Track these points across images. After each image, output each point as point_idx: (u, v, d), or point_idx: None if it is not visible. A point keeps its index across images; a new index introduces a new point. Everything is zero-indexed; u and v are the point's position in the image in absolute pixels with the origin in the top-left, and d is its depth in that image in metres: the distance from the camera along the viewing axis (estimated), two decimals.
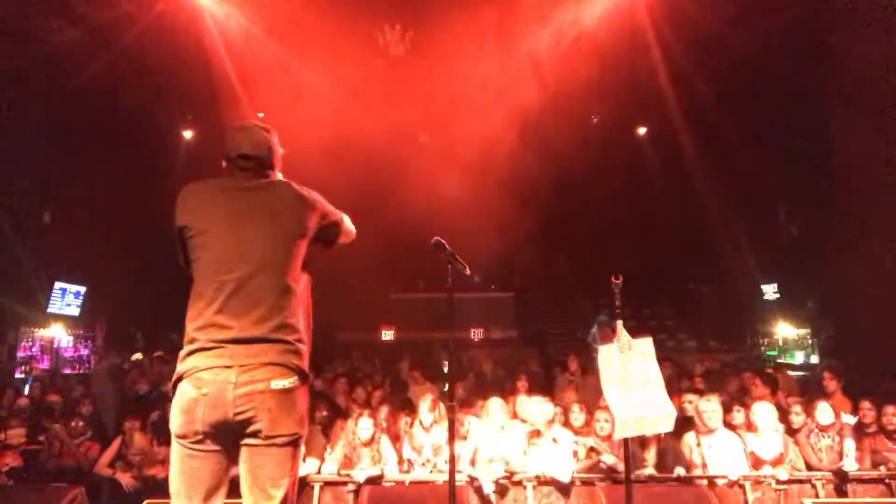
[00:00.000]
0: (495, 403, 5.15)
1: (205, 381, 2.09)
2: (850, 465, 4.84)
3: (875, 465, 4.97)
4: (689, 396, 5.67)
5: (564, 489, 4.74)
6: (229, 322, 2.14)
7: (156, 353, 9.83)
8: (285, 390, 2.15)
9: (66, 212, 12.67)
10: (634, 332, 3.68)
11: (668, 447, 5.07)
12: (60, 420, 5.56)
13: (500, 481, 4.74)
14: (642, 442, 5.01)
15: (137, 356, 10.28)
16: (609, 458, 4.83)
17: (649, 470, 4.85)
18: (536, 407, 5.12)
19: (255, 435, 2.13)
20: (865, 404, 5.40)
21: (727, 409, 5.34)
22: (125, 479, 5.06)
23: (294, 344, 2.22)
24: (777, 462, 4.89)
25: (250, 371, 2.11)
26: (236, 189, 2.37)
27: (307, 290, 2.46)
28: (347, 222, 2.71)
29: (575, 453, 5.01)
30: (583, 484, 4.77)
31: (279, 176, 2.60)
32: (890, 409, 5.15)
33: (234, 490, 4.96)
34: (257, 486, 2.16)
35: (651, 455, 5.03)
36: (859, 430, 5.31)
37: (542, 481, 4.76)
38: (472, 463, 4.93)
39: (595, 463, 4.90)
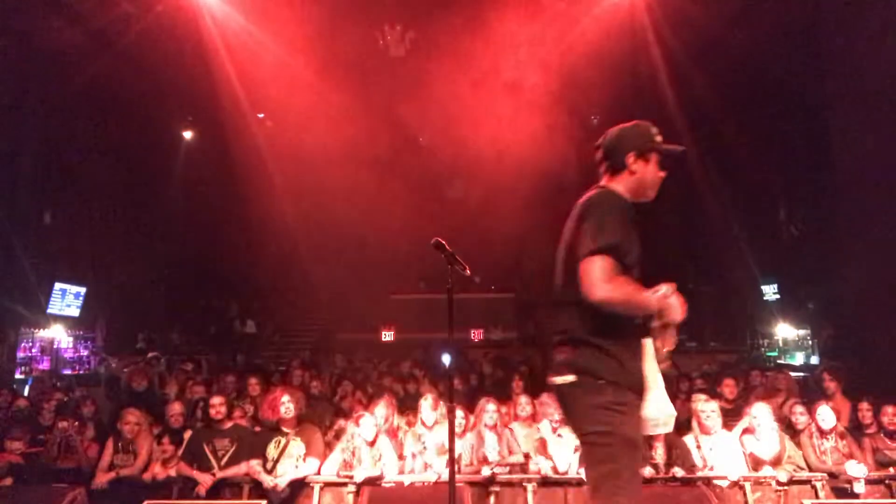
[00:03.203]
0: (489, 403, 5.15)
1: None
2: (855, 469, 4.79)
3: (877, 464, 4.97)
4: (701, 397, 5.67)
5: (565, 489, 4.74)
6: None
7: (151, 354, 9.83)
8: None
9: (66, 212, 12.68)
10: None
11: (677, 447, 5.05)
12: (69, 420, 5.54)
13: (500, 479, 4.75)
14: (647, 442, 5.00)
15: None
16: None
17: (649, 470, 4.84)
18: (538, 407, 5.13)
19: None
20: (864, 405, 5.40)
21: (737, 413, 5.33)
22: (125, 472, 5.07)
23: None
24: (776, 461, 4.88)
25: None
26: None
27: None
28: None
29: (576, 448, 5.01)
30: (579, 484, 4.76)
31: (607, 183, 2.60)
32: (890, 409, 5.15)
33: (234, 490, 4.95)
34: None
35: (659, 453, 5.00)
36: (858, 431, 5.31)
37: (542, 481, 4.76)
38: (471, 462, 4.93)
39: None
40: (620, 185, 2.50)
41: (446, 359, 7.88)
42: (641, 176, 2.48)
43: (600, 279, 2.21)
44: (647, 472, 4.83)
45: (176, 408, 5.64)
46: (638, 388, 2.35)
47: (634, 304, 2.27)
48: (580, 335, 2.33)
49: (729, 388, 6.44)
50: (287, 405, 5.16)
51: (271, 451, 5.04)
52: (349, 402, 6.92)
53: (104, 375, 9.76)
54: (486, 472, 4.77)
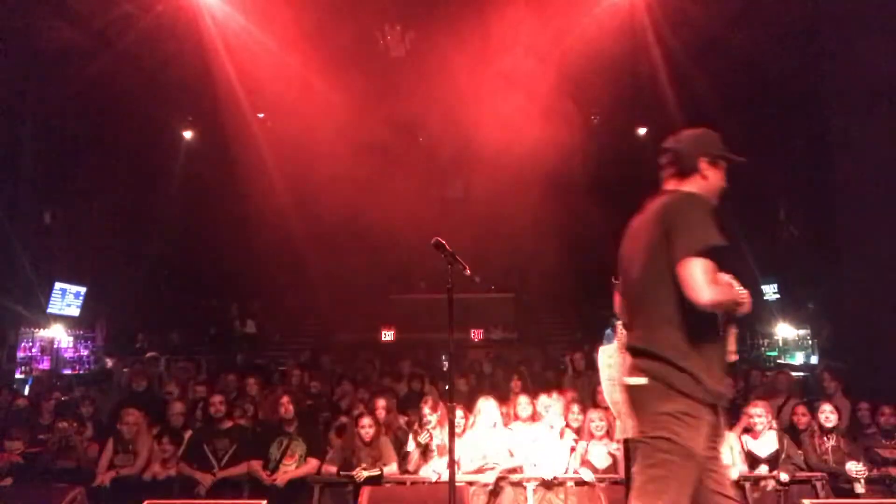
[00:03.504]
0: (488, 403, 5.15)
1: None
2: (855, 469, 4.79)
3: (871, 463, 4.97)
4: None
5: (564, 489, 4.74)
6: None
7: (149, 354, 9.83)
8: None
9: (66, 212, 12.67)
10: None
11: None
12: (68, 419, 5.54)
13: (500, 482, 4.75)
14: None
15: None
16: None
17: None
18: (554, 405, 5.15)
19: None
20: (864, 405, 5.40)
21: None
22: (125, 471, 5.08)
23: None
24: (773, 460, 4.89)
25: None
26: None
27: None
28: None
29: (572, 449, 5.02)
30: (579, 485, 4.77)
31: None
32: (887, 410, 5.17)
33: (234, 490, 4.95)
34: None
35: None
36: (858, 430, 5.32)
37: (542, 482, 4.76)
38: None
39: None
40: (693, 189, 2.52)
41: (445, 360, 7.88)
42: (711, 182, 2.53)
43: (706, 282, 2.20)
44: None
45: (177, 407, 5.64)
46: (713, 405, 2.32)
47: (732, 301, 2.33)
48: (657, 349, 2.33)
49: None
50: (287, 406, 5.18)
51: (274, 451, 5.05)
52: (348, 402, 6.93)
53: (96, 370, 9.76)
54: (491, 477, 4.76)
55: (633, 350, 2.47)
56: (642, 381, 2.35)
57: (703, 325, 2.31)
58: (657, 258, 2.35)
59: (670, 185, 2.59)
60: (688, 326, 2.30)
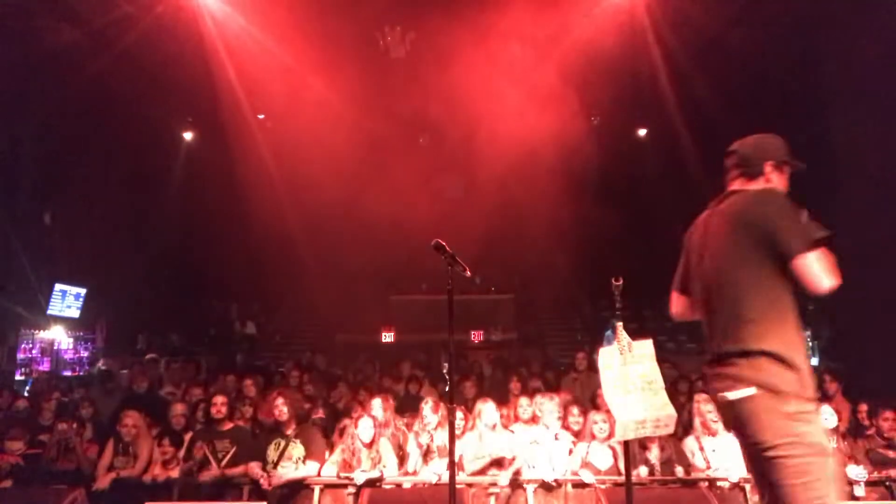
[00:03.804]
0: (486, 405, 5.15)
1: None
2: (855, 472, 4.79)
3: (872, 464, 4.97)
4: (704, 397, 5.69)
5: (564, 490, 4.74)
6: None
7: (149, 356, 9.81)
8: None
9: (66, 212, 12.67)
10: (635, 334, 3.67)
11: (671, 448, 5.05)
12: (67, 421, 5.54)
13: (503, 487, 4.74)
14: (642, 443, 5.00)
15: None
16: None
17: (644, 470, 4.85)
18: (547, 406, 5.15)
19: None
20: (864, 407, 5.39)
21: None
22: (126, 472, 5.07)
23: None
24: None
25: None
26: None
27: None
28: None
29: (570, 452, 5.02)
30: (578, 486, 4.77)
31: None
32: (890, 415, 5.16)
33: (234, 491, 4.94)
34: None
35: (654, 455, 5.00)
36: (857, 432, 5.31)
37: (542, 484, 4.76)
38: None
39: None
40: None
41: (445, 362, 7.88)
42: (775, 185, 2.57)
43: (826, 270, 2.28)
44: (643, 472, 4.84)
45: (179, 408, 5.64)
46: (813, 397, 2.34)
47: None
48: (759, 347, 2.32)
49: None
50: (281, 408, 5.14)
51: (271, 453, 5.03)
52: (344, 404, 6.92)
53: (97, 371, 9.73)
54: (505, 479, 4.75)
55: (729, 355, 2.39)
56: (749, 391, 2.30)
57: (796, 322, 2.36)
58: (752, 258, 2.38)
59: (736, 186, 2.63)
60: (789, 324, 2.35)
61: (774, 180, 2.56)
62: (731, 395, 2.35)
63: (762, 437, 2.27)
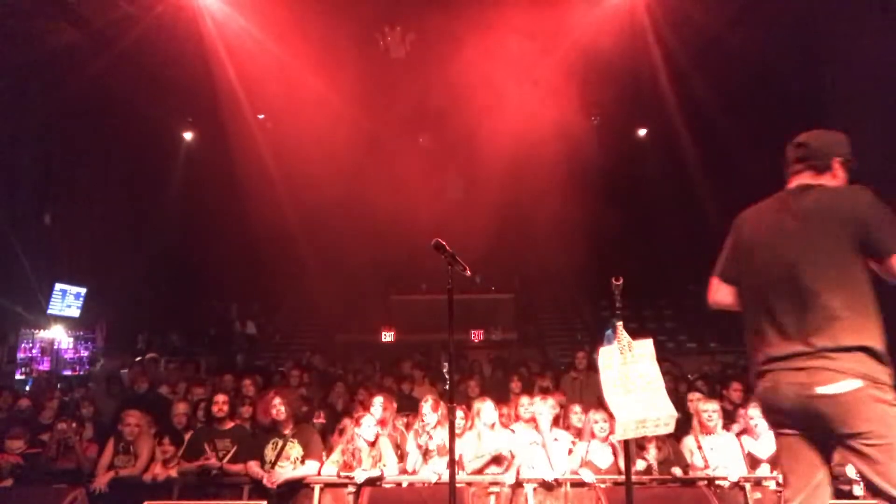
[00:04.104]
0: (485, 404, 5.15)
1: None
2: (854, 472, 4.78)
3: None
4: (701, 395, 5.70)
5: (564, 490, 4.74)
6: None
7: (149, 355, 9.81)
8: None
9: (66, 212, 12.68)
10: (635, 334, 3.67)
11: (669, 447, 5.06)
12: (67, 420, 5.54)
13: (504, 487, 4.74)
14: (639, 442, 5.00)
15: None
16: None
17: (641, 464, 4.85)
18: (538, 407, 5.14)
19: None
20: None
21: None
22: (126, 472, 5.08)
23: None
24: (774, 461, 4.88)
25: None
26: None
27: None
28: None
29: (570, 451, 5.02)
30: (578, 486, 4.77)
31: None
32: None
33: (234, 490, 4.94)
34: None
35: (651, 455, 5.01)
36: None
37: (542, 483, 4.76)
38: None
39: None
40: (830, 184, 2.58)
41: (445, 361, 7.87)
42: (840, 182, 2.60)
43: None
44: (641, 466, 4.85)
45: (180, 408, 5.64)
46: None
47: None
48: (858, 343, 2.32)
49: (737, 392, 6.34)
50: (278, 407, 5.13)
51: (268, 452, 5.03)
52: (342, 404, 6.92)
53: (102, 372, 9.73)
54: (510, 479, 4.74)
55: (822, 350, 2.35)
56: (856, 383, 2.27)
57: (880, 317, 2.38)
58: (845, 253, 2.40)
59: (804, 179, 2.64)
60: (878, 320, 2.37)
61: (840, 177, 2.59)
62: (832, 389, 2.30)
63: (868, 426, 2.26)
